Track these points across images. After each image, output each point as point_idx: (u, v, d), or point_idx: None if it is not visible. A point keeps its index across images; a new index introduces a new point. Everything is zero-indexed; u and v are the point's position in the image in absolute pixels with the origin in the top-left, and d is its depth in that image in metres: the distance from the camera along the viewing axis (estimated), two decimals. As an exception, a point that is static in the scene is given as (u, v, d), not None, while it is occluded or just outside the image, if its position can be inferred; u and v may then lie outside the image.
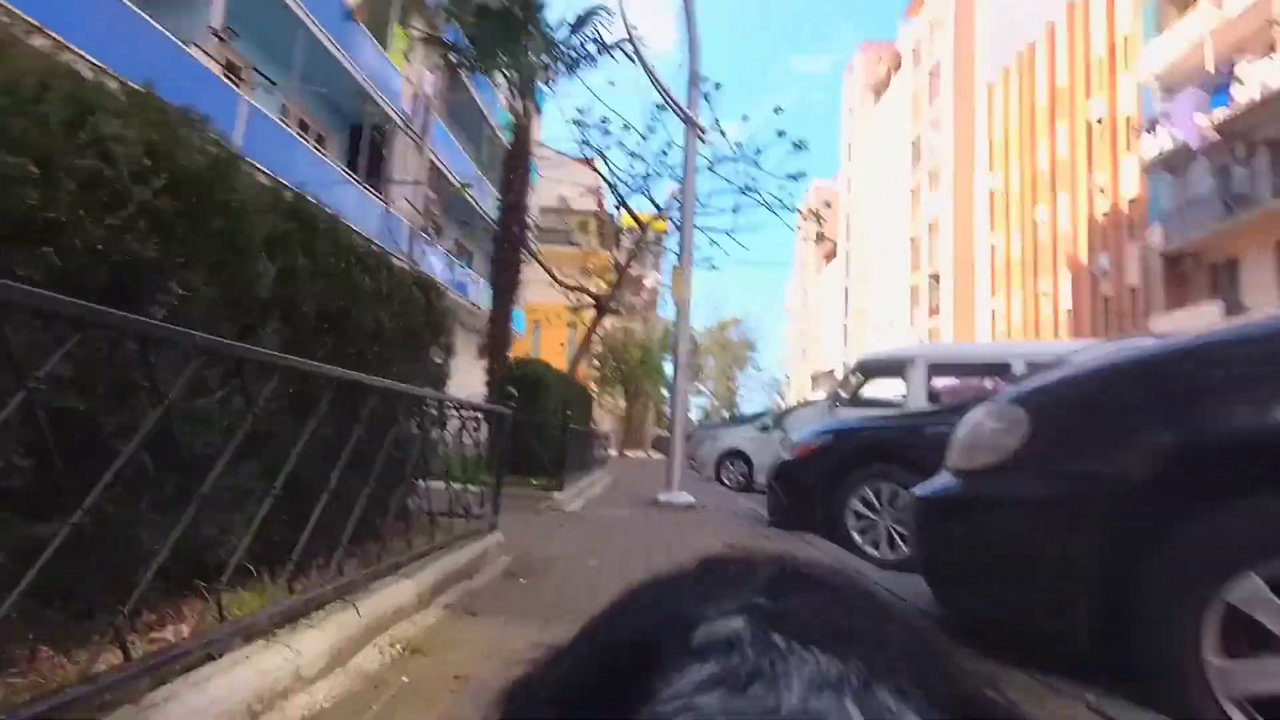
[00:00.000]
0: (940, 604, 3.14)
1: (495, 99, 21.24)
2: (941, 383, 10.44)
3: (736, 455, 14.33)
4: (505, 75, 9.85)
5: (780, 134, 12.20)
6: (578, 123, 13.12)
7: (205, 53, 11.64)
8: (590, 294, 14.16)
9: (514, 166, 9.60)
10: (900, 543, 5.66)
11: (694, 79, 8.68)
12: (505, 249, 9.39)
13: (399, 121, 18.54)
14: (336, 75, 15.92)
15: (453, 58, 9.95)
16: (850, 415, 9.13)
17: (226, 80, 12.33)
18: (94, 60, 8.59)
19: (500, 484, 4.18)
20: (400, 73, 17.09)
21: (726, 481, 14.18)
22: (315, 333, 2.26)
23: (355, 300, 2.50)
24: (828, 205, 16.69)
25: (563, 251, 22.75)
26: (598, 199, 29.09)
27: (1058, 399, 2.78)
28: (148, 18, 10.11)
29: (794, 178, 12.79)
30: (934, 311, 44.48)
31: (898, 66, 52.26)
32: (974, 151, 41.74)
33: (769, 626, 0.31)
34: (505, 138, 10.18)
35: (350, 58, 15.92)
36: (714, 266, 14.91)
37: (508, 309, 9.32)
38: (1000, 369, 9.21)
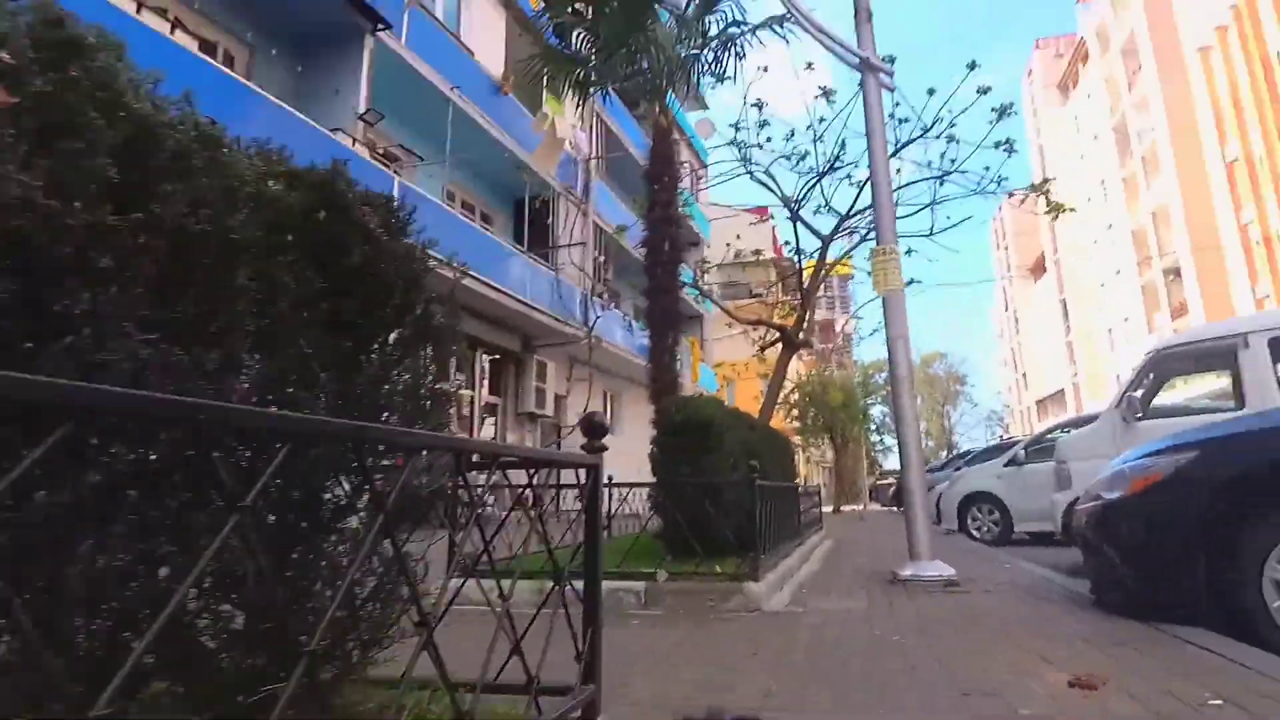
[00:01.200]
0: None
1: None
2: None
3: (984, 499, 11.05)
4: (636, 72, 8.07)
5: (982, 91, 9.35)
6: (735, 143, 11.06)
7: (354, 139, 11.20)
8: (773, 326, 11.79)
9: (657, 174, 7.72)
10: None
11: (861, 13, 6.39)
12: (657, 272, 7.42)
13: (558, 188, 17.75)
14: (492, 151, 15.40)
15: (579, 74, 8.31)
16: (1155, 428, 6.06)
17: (376, 162, 11.87)
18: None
19: (597, 608, 2.01)
20: (542, 129, 16.25)
21: (975, 534, 10.94)
22: None
23: None
24: (1048, 180, 12.94)
25: (744, 305, 20.86)
26: (773, 239, 26.77)
27: None
28: (294, 111, 9.77)
29: (1004, 147, 9.79)
30: (1179, 310, 37.05)
31: (1084, 57, 45.99)
32: (1196, 124, 34.94)
33: None
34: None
35: (504, 130, 15.41)
36: (914, 280, 11.98)
37: (669, 342, 7.29)
38: None
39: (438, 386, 1.73)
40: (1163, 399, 6.80)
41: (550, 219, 18.16)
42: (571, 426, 17.73)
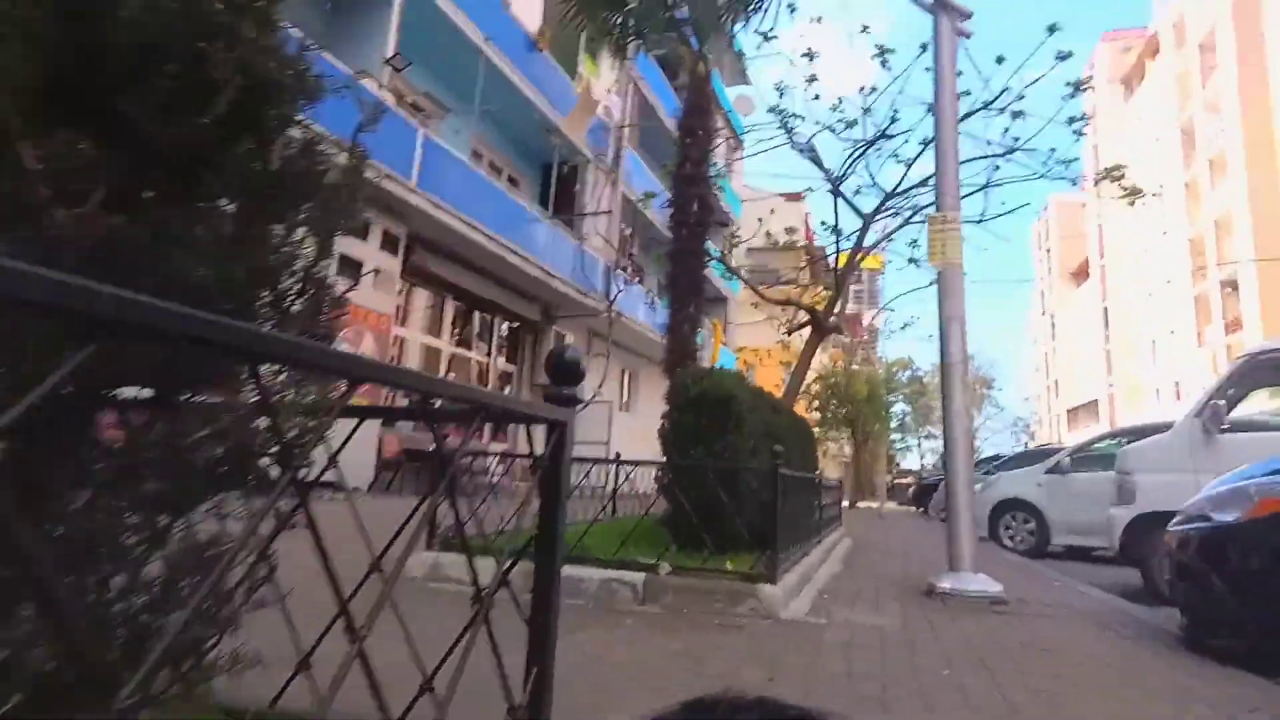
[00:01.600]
0: None
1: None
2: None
3: (1020, 507, 10.31)
4: (677, 20, 7.42)
5: (1062, 56, 8.44)
6: (777, 110, 10.26)
7: (379, 83, 10.66)
8: (804, 308, 11.08)
9: (691, 128, 7.07)
10: None
11: (941, -57, 5.64)
12: (683, 233, 6.78)
13: (588, 154, 17.07)
14: (523, 110, 14.82)
15: (617, 19, 7.66)
16: (1241, 442, 5.39)
17: (401, 110, 11.41)
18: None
19: (549, 639, 1.36)
20: (577, 92, 15.71)
21: (1008, 543, 10.22)
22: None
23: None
24: (1120, 167, 11.87)
25: (772, 289, 20.25)
26: (806, 224, 25.84)
27: None
28: (318, 51, 9.21)
29: (1078, 124, 8.94)
30: (1234, 325, 35.58)
31: (1154, 52, 44.14)
32: (1272, 127, 33.30)
33: None
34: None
35: (536, 89, 14.84)
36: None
37: (690, 310, 6.67)
38: None
39: (314, 271, 1.09)
40: (1239, 412, 6.09)
41: (578, 186, 17.59)
42: (586, 402, 17.22)
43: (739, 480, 4.29)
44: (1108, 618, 4.12)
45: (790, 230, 13.81)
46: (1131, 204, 9.24)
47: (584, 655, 2.65)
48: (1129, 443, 7.27)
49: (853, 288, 21.79)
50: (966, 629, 3.64)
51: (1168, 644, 3.40)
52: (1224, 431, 5.46)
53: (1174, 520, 3.52)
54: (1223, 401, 5.52)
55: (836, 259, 10.74)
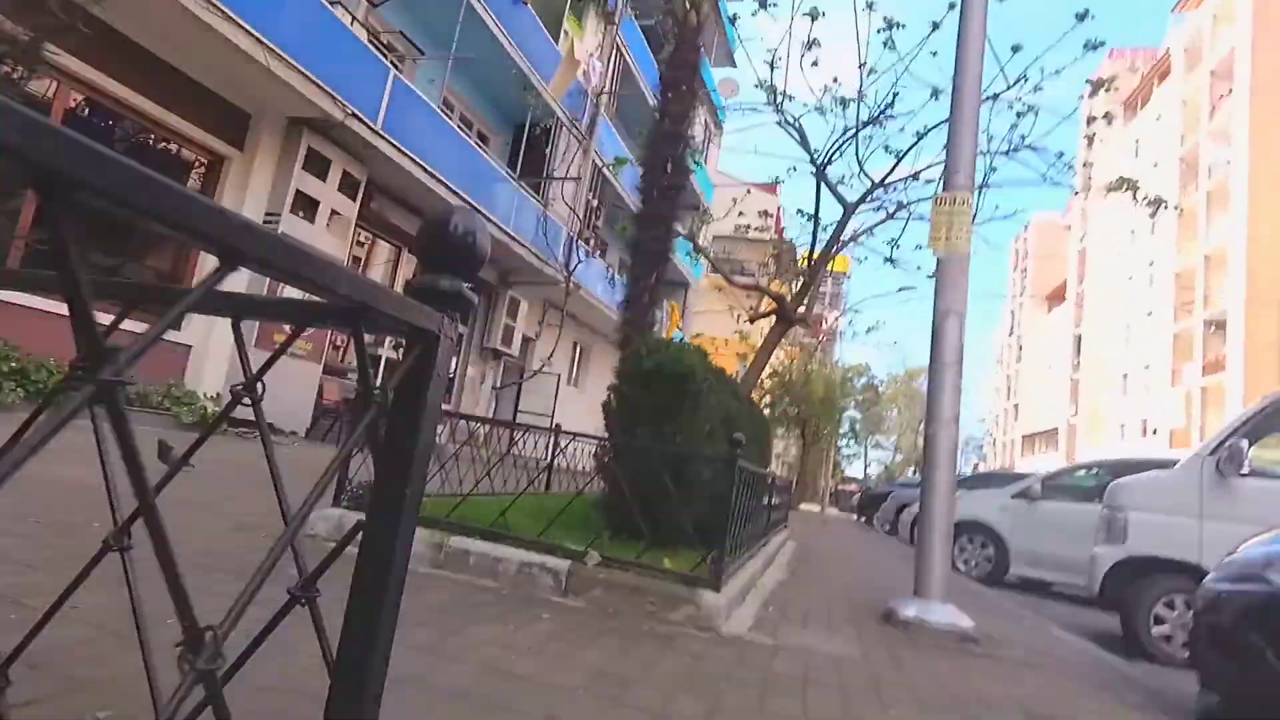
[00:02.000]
0: None
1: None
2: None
3: (977, 530, 9.99)
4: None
5: (1093, 45, 8.01)
6: (764, 84, 9.62)
7: (353, 17, 10.36)
8: (771, 295, 10.62)
9: (674, 81, 6.58)
10: None
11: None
12: (653, 195, 6.28)
13: (563, 117, 16.57)
14: (501, 65, 14.38)
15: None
16: (1263, 490, 5.08)
17: (373, 48, 11.06)
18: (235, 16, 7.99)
19: (370, 678, 0.78)
20: (563, 51, 15.32)
21: (960, 567, 9.87)
22: None
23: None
24: (1130, 179, 11.64)
25: (737, 282, 20.02)
26: (777, 218, 25.51)
27: None
28: None
29: (1102, 120, 8.64)
30: (1213, 367, 36.09)
31: (1163, 75, 44.67)
32: (1280, 163, 33.46)
33: None
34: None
35: (516, 45, 14.41)
36: (929, 276, 10.43)
37: (652, 280, 6.17)
38: None
39: None
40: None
41: (549, 149, 17.10)
42: (534, 371, 16.78)
43: (691, 467, 3.80)
44: (1097, 674, 3.73)
45: (764, 213, 13.33)
46: (1153, 215, 9.01)
47: (481, 661, 2.15)
48: (1109, 476, 6.96)
49: (821, 290, 21.50)
50: (939, 673, 3.20)
51: (1175, 715, 2.99)
52: (1243, 476, 5.12)
53: (1211, 575, 3.10)
54: (1245, 442, 5.16)
55: (811, 248, 10.31)
